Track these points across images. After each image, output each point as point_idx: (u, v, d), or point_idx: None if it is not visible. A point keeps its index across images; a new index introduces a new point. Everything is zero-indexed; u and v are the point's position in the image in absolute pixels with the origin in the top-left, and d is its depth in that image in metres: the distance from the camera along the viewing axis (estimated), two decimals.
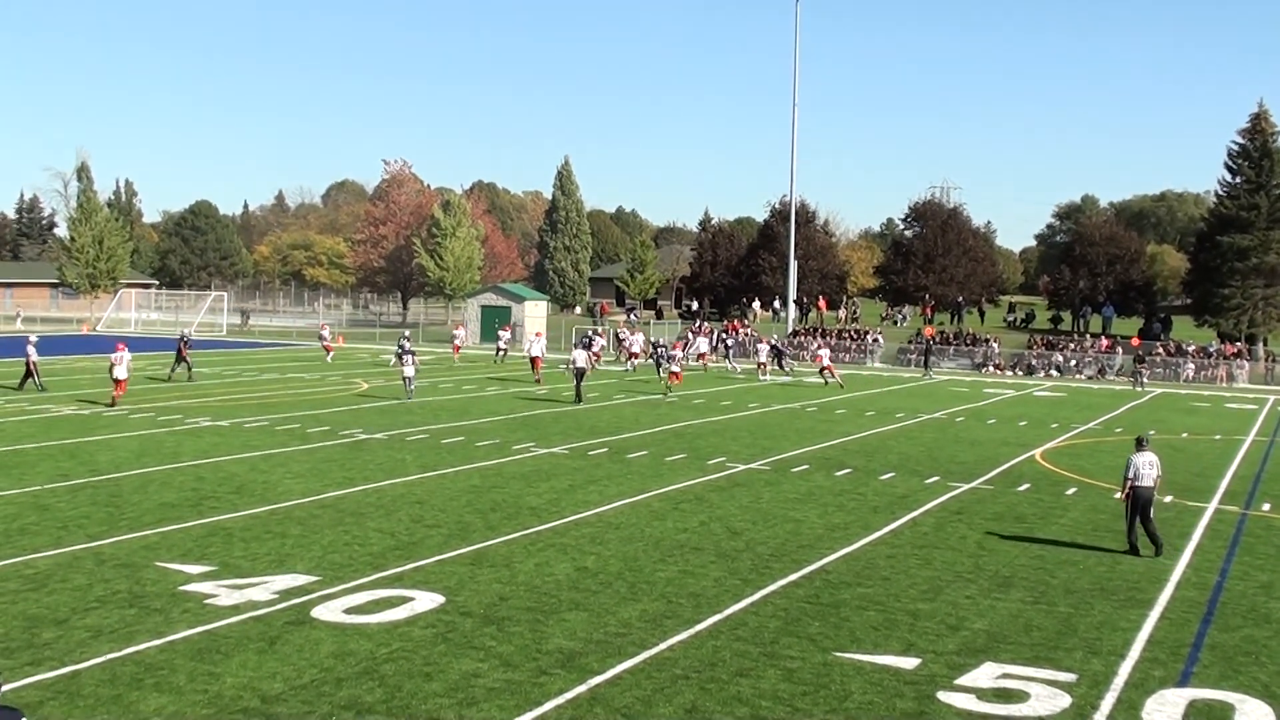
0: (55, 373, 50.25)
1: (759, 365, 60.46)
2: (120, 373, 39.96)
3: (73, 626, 14.75)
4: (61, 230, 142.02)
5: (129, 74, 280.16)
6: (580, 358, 46.14)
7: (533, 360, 55.31)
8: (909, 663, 14.15)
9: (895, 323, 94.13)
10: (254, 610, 15.51)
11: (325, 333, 68.75)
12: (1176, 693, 13.43)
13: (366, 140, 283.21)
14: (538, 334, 61.92)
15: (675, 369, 51.02)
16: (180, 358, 49.80)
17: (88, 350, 65.50)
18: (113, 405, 38.95)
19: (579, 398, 44.12)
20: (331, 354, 64.67)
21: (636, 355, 64.79)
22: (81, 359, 59.19)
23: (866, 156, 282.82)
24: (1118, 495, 21.53)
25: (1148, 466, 20.45)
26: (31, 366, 43.44)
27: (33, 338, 45.97)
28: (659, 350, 58.47)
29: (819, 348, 61.36)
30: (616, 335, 72.46)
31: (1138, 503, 20.45)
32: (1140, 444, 20.99)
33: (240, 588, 16.51)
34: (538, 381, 52.00)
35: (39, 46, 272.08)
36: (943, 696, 13.04)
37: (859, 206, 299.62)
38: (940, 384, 59.28)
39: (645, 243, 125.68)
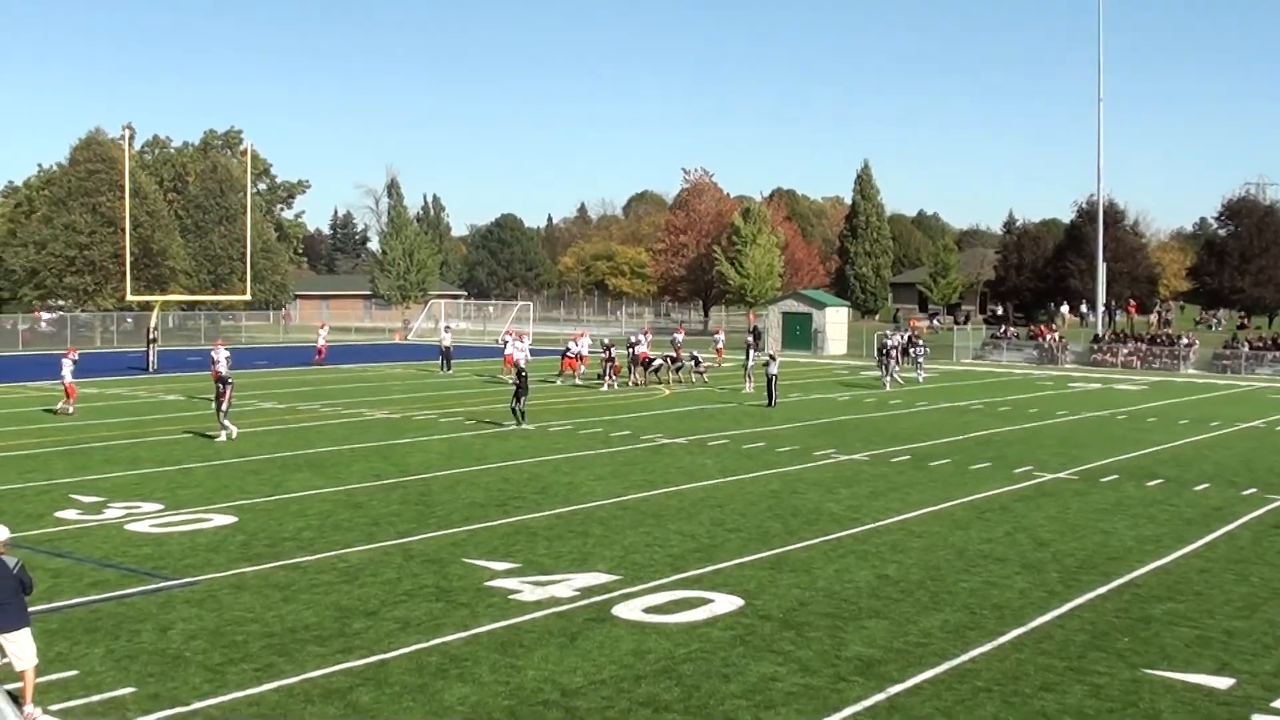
0: (393, 377, 52.50)
1: (885, 371, 54.14)
2: (582, 351, 53.83)
3: (382, 618, 15.32)
4: (374, 244, 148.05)
5: (437, 94, 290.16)
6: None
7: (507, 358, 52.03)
8: (1223, 683, 13.54)
9: (1210, 327, 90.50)
10: (556, 606, 15.84)
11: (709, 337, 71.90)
12: None
13: (666, 151, 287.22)
14: (519, 335, 57.50)
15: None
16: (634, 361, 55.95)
17: (400, 358, 67.97)
18: (575, 375, 52.58)
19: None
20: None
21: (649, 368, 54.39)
22: (395, 365, 61.48)
23: (1177, 152, 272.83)
24: None
25: None
26: (447, 351, 55.81)
27: (447, 324, 57.40)
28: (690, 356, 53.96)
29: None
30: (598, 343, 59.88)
31: None
32: None
33: (543, 584, 16.88)
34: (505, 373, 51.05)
35: (352, 72, 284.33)
36: None
37: (1170, 205, 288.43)
38: (1258, 390, 56.64)
39: (948, 246, 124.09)
